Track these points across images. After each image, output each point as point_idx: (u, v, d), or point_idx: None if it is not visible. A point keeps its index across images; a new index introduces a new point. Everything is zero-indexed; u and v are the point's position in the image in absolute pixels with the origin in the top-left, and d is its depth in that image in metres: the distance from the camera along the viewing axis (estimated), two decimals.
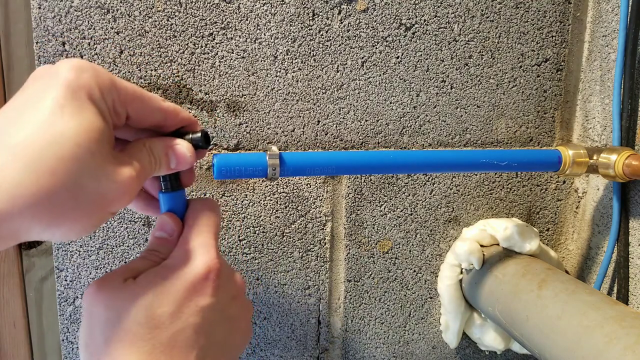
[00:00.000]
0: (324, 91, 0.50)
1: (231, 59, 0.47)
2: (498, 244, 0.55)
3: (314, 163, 0.37)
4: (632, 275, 0.52)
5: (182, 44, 0.45)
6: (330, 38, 0.49)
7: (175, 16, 0.45)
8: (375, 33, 0.50)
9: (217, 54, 0.46)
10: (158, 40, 0.45)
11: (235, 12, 0.46)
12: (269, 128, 0.49)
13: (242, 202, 0.49)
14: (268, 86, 0.48)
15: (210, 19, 0.46)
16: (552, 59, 0.56)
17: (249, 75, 0.47)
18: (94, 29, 0.43)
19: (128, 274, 0.30)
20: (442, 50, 0.52)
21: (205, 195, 0.48)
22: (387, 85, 0.51)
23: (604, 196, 0.55)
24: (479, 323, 0.56)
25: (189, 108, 0.47)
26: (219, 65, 0.47)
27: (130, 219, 0.47)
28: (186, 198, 0.34)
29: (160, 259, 0.31)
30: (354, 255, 0.54)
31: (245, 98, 0.48)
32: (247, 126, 0.48)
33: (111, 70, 0.44)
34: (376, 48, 0.50)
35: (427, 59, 0.52)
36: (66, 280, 0.47)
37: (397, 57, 0.51)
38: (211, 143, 0.35)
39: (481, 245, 0.54)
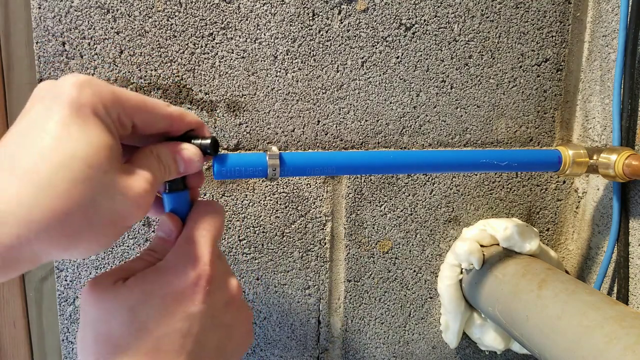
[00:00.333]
0: (324, 91, 0.50)
1: (231, 59, 0.47)
2: (498, 244, 0.55)
3: (314, 163, 0.37)
4: (632, 275, 0.52)
5: (182, 44, 0.45)
6: (330, 38, 0.49)
7: (175, 16, 0.45)
8: (375, 33, 0.50)
9: (217, 54, 0.46)
10: (158, 40, 0.45)
11: (235, 12, 0.46)
12: (269, 128, 0.49)
13: (242, 202, 0.49)
14: (268, 86, 0.48)
15: (210, 19, 0.46)
16: (552, 59, 0.56)
17: (249, 75, 0.47)
18: (94, 29, 0.43)
19: (120, 274, 0.29)
20: (442, 50, 0.52)
21: (205, 195, 0.48)
22: (387, 85, 0.51)
23: (604, 196, 0.55)
24: (479, 323, 0.56)
25: (189, 108, 0.47)
26: (219, 65, 0.47)
27: None
28: (189, 199, 0.34)
29: (156, 260, 0.31)
30: (354, 255, 0.54)
31: (245, 98, 0.48)
32: (247, 126, 0.48)
33: (111, 70, 0.44)
34: (376, 48, 0.50)
35: (427, 59, 0.52)
36: (66, 280, 0.47)
37: (397, 57, 0.51)
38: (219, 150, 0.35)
39: (481, 245, 0.54)
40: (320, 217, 0.52)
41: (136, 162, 0.28)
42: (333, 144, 0.51)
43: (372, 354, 0.57)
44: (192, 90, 0.46)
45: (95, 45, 0.44)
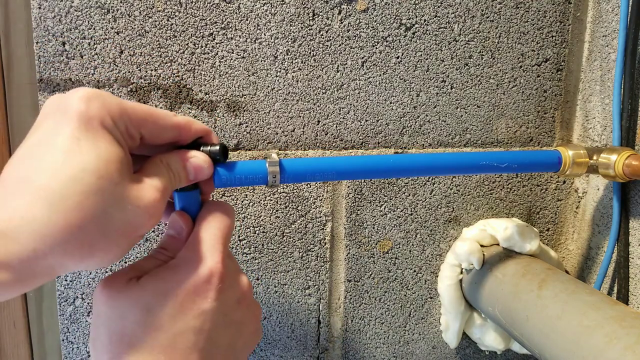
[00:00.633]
0: (324, 91, 0.50)
1: (231, 59, 0.47)
2: (498, 244, 0.55)
3: (314, 169, 0.37)
4: (632, 275, 0.52)
5: (182, 44, 0.45)
6: (330, 38, 0.49)
7: (175, 16, 0.45)
8: (376, 33, 0.50)
9: (217, 54, 0.46)
10: (158, 40, 0.45)
11: (235, 12, 0.46)
12: (269, 128, 0.49)
13: (242, 202, 0.49)
14: (268, 86, 0.48)
15: (210, 19, 0.46)
16: (552, 59, 0.56)
17: (249, 75, 0.47)
18: (94, 29, 0.43)
19: (133, 273, 0.30)
20: (442, 50, 0.52)
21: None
22: (387, 85, 0.51)
23: (604, 196, 0.55)
24: (479, 323, 0.56)
25: (189, 108, 0.47)
26: (219, 65, 0.47)
27: None
28: (200, 199, 0.34)
29: (168, 258, 0.32)
30: (354, 255, 0.54)
31: (245, 98, 0.48)
32: (247, 126, 0.48)
33: (111, 70, 0.44)
34: (376, 48, 0.50)
35: (427, 59, 0.52)
36: (66, 280, 0.47)
37: (397, 57, 0.51)
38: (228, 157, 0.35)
39: (481, 245, 0.54)
40: (320, 217, 0.52)
41: (146, 171, 0.29)
42: (333, 144, 0.51)
43: (372, 354, 0.57)
44: (192, 90, 0.46)
45: (95, 45, 0.44)
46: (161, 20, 0.44)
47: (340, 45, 0.49)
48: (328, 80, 0.50)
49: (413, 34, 0.51)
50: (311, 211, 0.51)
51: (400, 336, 0.57)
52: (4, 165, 0.25)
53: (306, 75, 0.49)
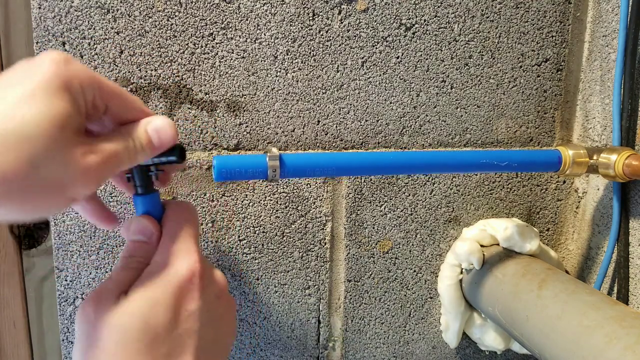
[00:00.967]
0: (324, 91, 0.50)
1: (231, 59, 0.47)
2: (498, 244, 0.55)
3: (314, 164, 0.37)
4: (632, 275, 0.52)
5: (182, 44, 0.45)
6: (330, 38, 0.49)
7: (175, 16, 0.45)
8: (375, 33, 0.50)
9: (217, 54, 0.46)
10: (158, 40, 0.45)
11: (235, 12, 0.46)
12: (269, 128, 0.49)
13: (242, 202, 0.49)
14: (268, 86, 0.48)
15: (210, 19, 0.46)
16: (552, 59, 0.56)
17: (249, 75, 0.47)
18: (94, 29, 0.43)
19: (118, 289, 0.30)
20: (442, 50, 0.52)
21: (205, 195, 0.48)
22: (387, 85, 0.51)
23: (604, 196, 0.55)
24: (479, 323, 0.56)
25: (189, 108, 0.47)
26: (219, 65, 0.47)
27: None
28: (160, 200, 0.34)
29: (142, 264, 0.31)
30: (354, 255, 0.54)
31: (245, 98, 0.48)
32: (247, 126, 0.48)
33: (111, 70, 0.44)
34: (376, 48, 0.50)
35: (427, 59, 0.52)
36: (66, 280, 0.47)
37: (397, 57, 0.51)
38: (186, 159, 0.36)
39: (481, 245, 0.54)
40: (320, 217, 0.52)
41: (101, 137, 0.29)
42: (333, 144, 0.51)
43: (372, 354, 0.57)
44: (192, 90, 0.46)
45: (95, 45, 0.44)
46: (161, 20, 0.44)
47: (340, 45, 0.49)
48: (328, 80, 0.50)
49: (413, 34, 0.51)
50: (311, 211, 0.51)
51: (400, 336, 0.57)
52: None
53: (306, 75, 0.49)
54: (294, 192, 0.51)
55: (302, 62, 0.49)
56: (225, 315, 0.34)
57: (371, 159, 0.40)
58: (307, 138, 0.50)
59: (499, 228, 0.54)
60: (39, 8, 0.42)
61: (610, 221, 0.53)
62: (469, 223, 0.57)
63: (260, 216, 0.50)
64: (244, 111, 0.48)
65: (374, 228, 0.54)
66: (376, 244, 0.54)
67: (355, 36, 0.49)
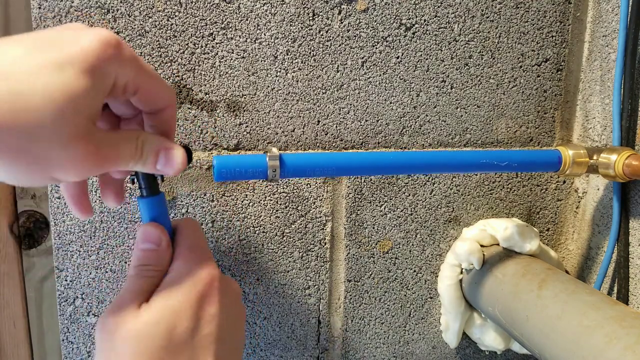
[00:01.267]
0: (324, 91, 0.50)
1: (231, 59, 0.47)
2: (498, 244, 0.55)
3: (315, 164, 0.37)
4: (632, 275, 0.52)
5: (182, 44, 0.45)
6: (330, 38, 0.49)
7: (175, 16, 0.45)
8: (375, 33, 0.50)
9: (217, 54, 0.46)
10: (158, 40, 0.45)
11: (235, 12, 0.46)
12: (269, 128, 0.49)
13: (242, 202, 0.49)
14: (268, 86, 0.48)
15: (210, 19, 0.46)
16: (552, 59, 0.56)
17: (249, 75, 0.47)
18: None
19: (139, 298, 0.30)
20: (442, 50, 0.52)
21: (205, 195, 0.48)
22: (387, 85, 0.51)
23: (604, 196, 0.55)
24: (479, 323, 0.56)
25: (189, 108, 0.47)
26: (219, 65, 0.47)
27: (131, 219, 0.47)
28: (165, 201, 0.34)
29: (157, 272, 0.32)
30: (354, 255, 0.54)
31: (245, 98, 0.48)
32: (247, 126, 0.48)
33: None
34: (376, 48, 0.50)
35: (427, 59, 0.52)
36: (66, 280, 0.47)
37: (397, 57, 0.51)
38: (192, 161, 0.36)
39: (481, 245, 0.54)
40: (320, 217, 0.52)
41: (114, 132, 0.28)
42: (333, 144, 0.51)
43: (372, 354, 0.57)
44: (192, 90, 0.46)
45: None
46: (161, 20, 0.44)
47: (340, 45, 0.49)
48: (328, 80, 0.50)
49: (413, 34, 0.51)
50: (311, 211, 0.51)
51: (400, 336, 0.57)
52: None
53: (306, 75, 0.49)
54: (294, 192, 0.51)
55: (302, 62, 0.49)
56: (240, 317, 0.35)
57: (371, 159, 0.40)
58: (307, 138, 0.50)
59: (499, 228, 0.54)
60: (39, 8, 0.42)
61: (610, 221, 0.53)
62: (469, 223, 0.57)
63: (260, 216, 0.50)
64: (244, 111, 0.48)
65: (374, 228, 0.54)
66: (376, 244, 0.54)
67: (355, 36, 0.49)
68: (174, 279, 0.31)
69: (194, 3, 0.45)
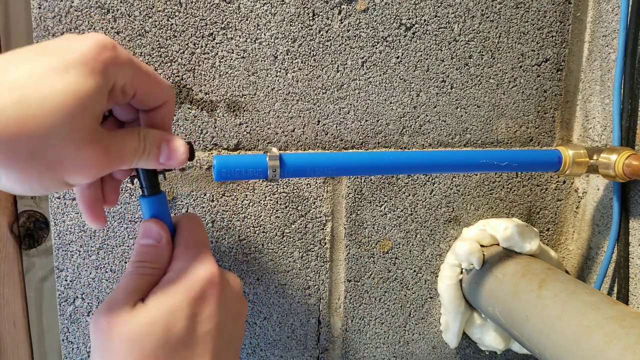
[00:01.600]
0: (324, 91, 0.50)
1: (231, 59, 0.47)
2: (498, 244, 0.55)
3: (315, 164, 0.37)
4: (632, 275, 0.52)
5: (182, 44, 0.45)
6: (330, 38, 0.49)
7: (175, 16, 0.45)
8: (375, 33, 0.50)
9: (217, 54, 0.46)
10: (158, 40, 0.45)
11: (235, 12, 0.46)
12: (269, 128, 0.49)
13: (242, 202, 0.49)
14: (268, 86, 0.48)
15: (210, 19, 0.46)
16: (552, 59, 0.56)
17: (249, 75, 0.47)
18: (94, 29, 0.43)
19: (134, 296, 0.29)
20: (442, 50, 0.52)
21: (205, 195, 0.48)
22: (387, 85, 0.51)
23: (604, 196, 0.55)
24: (479, 323, 0.56)
25: (189, 108, 0.47)
26: (219, 65, 0.47)
27: (130, 219, 0.47)
28: (166, 200, 0.34)
29: (155, 269, 0.31)
30: (354, 255, 0.54)
31: (245, 98, 0.48)
32: (247, 126, 0.48)
33: None
34: (376, 48, 0.50)
35: (427, 59, 0.52)
36: (66, 280, 0.47)
37: (397, 57, 0.51)
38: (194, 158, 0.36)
39: (481, 245, 0.54)
40: (320, 217, 0.52)
41: (116, 132, 0.28)
42: (333, 144, 0.51)
43: (372, 354, 0.57)
44: (192, 90, 0.46)
45: None
46: (161, 20, 0.44)
47: (340, 45, 0.49)
48: (328, 80, 0.50)
49: (413, 34, 0.51)
50: (311, 211, 0.51)
51: (400, 336, 0.57)
52: None
53: (306, 75, 0.49)
54: (294, 192, 0.51)
55: (302, 62, 0.49)
56: (241, 312, 0.35)
57: (371, 159, 0.40)
58: (307, 138, 0.50)
59: (499, 228, 0.54)
60: (39, 8, 0.42)
61: (610, 221, 0.53)
62: (469, 223, 0.57)
63: (260, 216, 0.50)
64: (244, 111, 0.48)
65: (374, 228, 0.54)
66: (376, 244, 0.54)
67: (355, 36, 0.49)
68: (171, 279, 0.31)
69: (194, 3, 0.45)
